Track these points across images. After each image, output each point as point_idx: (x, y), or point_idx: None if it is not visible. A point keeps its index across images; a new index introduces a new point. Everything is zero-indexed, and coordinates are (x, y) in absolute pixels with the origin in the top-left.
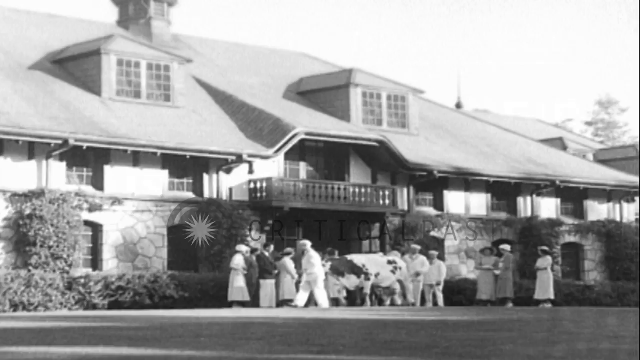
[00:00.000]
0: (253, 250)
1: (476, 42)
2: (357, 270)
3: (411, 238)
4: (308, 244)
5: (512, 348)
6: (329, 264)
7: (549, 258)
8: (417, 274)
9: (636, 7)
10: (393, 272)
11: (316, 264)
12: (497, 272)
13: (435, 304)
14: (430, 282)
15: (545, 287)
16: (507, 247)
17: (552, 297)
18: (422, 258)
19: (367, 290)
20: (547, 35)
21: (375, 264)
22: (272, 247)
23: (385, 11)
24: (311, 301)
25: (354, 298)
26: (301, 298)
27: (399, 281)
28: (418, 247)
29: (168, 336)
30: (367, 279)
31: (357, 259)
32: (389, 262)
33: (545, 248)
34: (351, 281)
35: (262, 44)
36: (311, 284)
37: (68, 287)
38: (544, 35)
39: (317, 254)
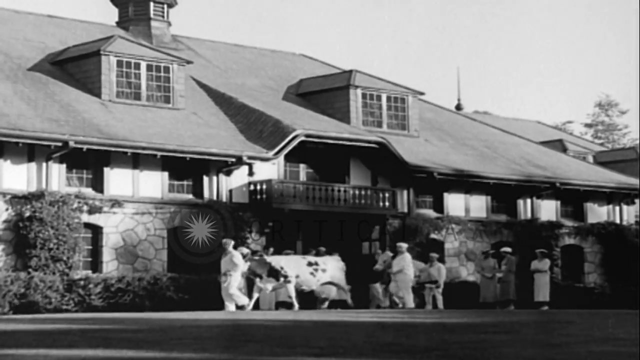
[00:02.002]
0: (253, 253)
1: (476, 44)
2: (275, 273)
3: (411, 240)
4: (230, 243)
5: (512, 350)
6: (247, 265)
7: (547, 260)
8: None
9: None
10: (312, 274)
11: (239, 263)
12: (499, 275)
13: (434, 306)
14: (429, 285)
15: (544, 289)
16: (508, 249)
17: (547, 299)
18: (404, 255)
19: (292, 294)
20: (547, 37)
21: (295, 265)
22: (271, 250)
23: (385, 12)
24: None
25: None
26: (240, 300)
27: (331, 283)
28: (404, 245)
29: (168, 338)
30: (288, 281)
31: (276, 260)
32: (310, 264)
33: (544, 250)
34: (269, 284)
35: (262, 46)
36: (228, 285)
37: (68, 289)
38: (544, 37)
39: (239, 253)
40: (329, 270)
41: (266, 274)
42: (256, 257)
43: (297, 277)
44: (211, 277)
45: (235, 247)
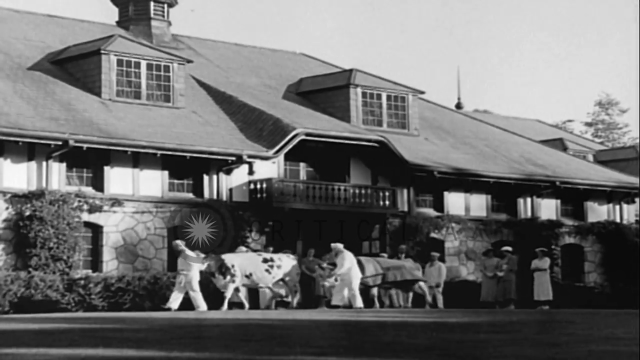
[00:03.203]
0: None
1: (476, 43)
2: (225, 271)
3: (411, 239)
4: (182, 243)
5: (512, 350)
6: (206, 264)
7: (547, 259)
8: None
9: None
10: (268, 271)
11: (194, 263)
12: (500, 274)
13: (435, 305)
14: (430, 284)
15: (544, 288)
16: (509, 248)
17: (550, 298)
18: (344, 255)
19: (228, 294)
20: (547, 36)
21: (250, 263)
22: (271, 249)
23: (384, 11)
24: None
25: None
26: (175, 300)
27: (283, 281)
28: (340, 245)
29: (168, 337)
30: (232, 280)
31: (229, 258)
32: (265, 261)
33: (544, 249)
34: (220, 282)
35: (262, 45)
36: (186, 285)
37: (68, 289)
38: (544, 35)
39: (194, 253)
40: (283, 267)
41: (218, 271)
42: (213, 256)
43: (250, 275)
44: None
45: (236, 246)
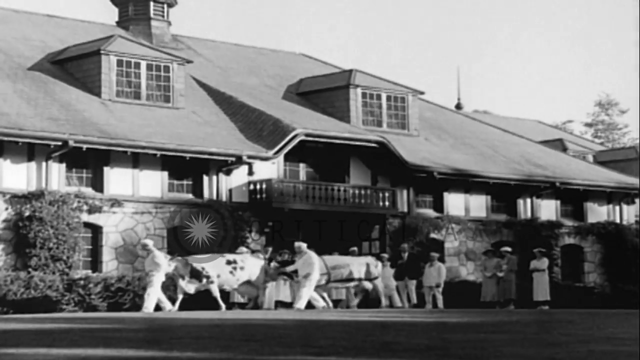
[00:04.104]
0: (253, 252)
1: (476, 43)
2: (197, 274)
3: (411, 239)
4: (150, 242)
5: (512, 350)
6: (173, 265)
7: (545, 260)
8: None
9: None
10: (232, 273)
11: (161, 264)
12: (500, 274)
13: (434, 305)
14: (429, 284)
15: (543, 289)
16: (508, 249)
17: (548, 298)
18: (309, 255)
19: (216, 294)
20: (547, 36)
21: (215, 265)
22: (270, 249)
23: (384, 12)
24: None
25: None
26: (150, 301)
27: (249, 282)
28: (304, 244)
29: (168, 337)
30: (211, 282)
31: (197, 261)
32: (228, 263)
33: (542, 249)
34: (192, 285)
35: (262, 45)
36: (148, 282)
37: (68, 289)
38: (544, 35)
39: (162, 253)
40: (247, 269)
41: (189, 275)
42: (180, 258)
43: (218, 276)
44: None
45: (236, 247)
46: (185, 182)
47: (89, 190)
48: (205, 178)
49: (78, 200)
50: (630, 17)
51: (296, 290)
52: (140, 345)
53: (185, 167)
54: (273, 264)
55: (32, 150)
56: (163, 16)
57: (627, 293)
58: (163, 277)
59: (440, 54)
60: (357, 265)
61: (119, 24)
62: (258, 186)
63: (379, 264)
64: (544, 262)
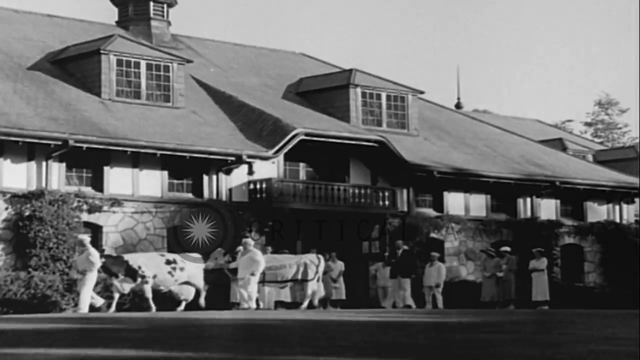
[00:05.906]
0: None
1: (476, 43)
2: (132, 273)
3: (411, 239)
4: (87, 239)
5: (512, 350)
6: (102, 261)
7: (544, 259)
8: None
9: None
10: (171, 273)
11: (96, 262)
12: (500, 274)
13: (434, 305)
14: (429, 284)
15: (542, 289)
16: (507, 249)
17: (547, 298)
18: (254, 253)
19: (148, 295)
20: (546, 36)
21: (154, 264)
22: (269, 249)
23: (384, 11)
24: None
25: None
26: (94, 301)
27: (188, 283)
28: (251, 241)
29: (168, 338)
30: (145, 282)
31: (133, 259)
32: (168, 262)
33: (541, 249)
34: (126, 284)
35: (262, 45)
36: (79, 282)
37: (68, 289)
38: (543, 35)
39: (97, 251)
40: (187, 269)
41: (123, 273)
42: (113, 255)
43: (155, 276)
44: (211, 277)
45: (236, 247)
46: (185, 182)
47: (89, 190)
48: (205, 178)
49: (78, 199)
50: (631, 17)
51: (236, 288)
52: (140, 345)
53: (185, 167)
54: (218, 260)
55: (32, 150)
56: (163, 16)
57: (627, 293)
58: (95, 277)
59: (440, 54)
60: (294, 266)
61: (118, 24)
62: (258, 186)
63: (322, 262)
64: (543, 262)
